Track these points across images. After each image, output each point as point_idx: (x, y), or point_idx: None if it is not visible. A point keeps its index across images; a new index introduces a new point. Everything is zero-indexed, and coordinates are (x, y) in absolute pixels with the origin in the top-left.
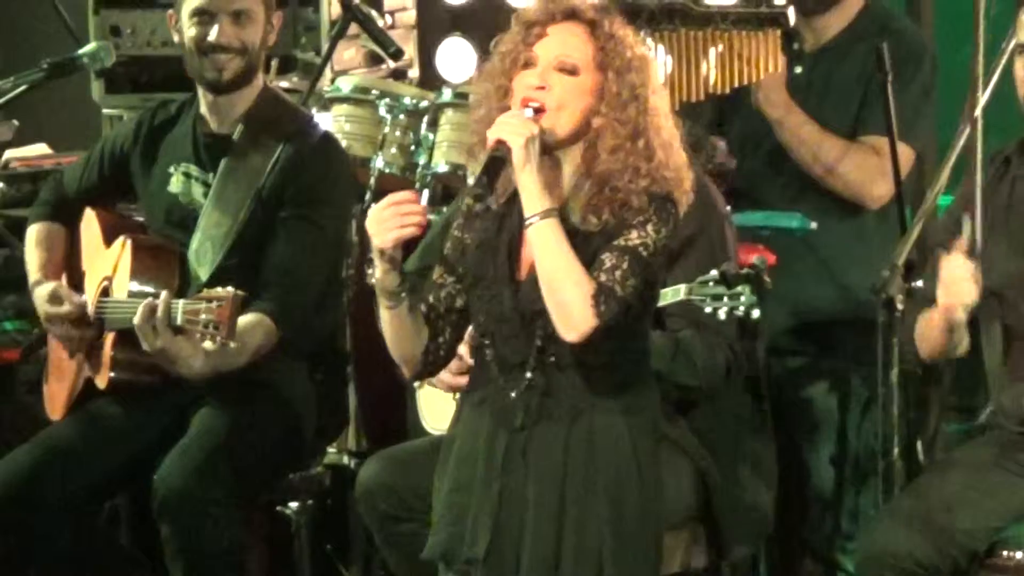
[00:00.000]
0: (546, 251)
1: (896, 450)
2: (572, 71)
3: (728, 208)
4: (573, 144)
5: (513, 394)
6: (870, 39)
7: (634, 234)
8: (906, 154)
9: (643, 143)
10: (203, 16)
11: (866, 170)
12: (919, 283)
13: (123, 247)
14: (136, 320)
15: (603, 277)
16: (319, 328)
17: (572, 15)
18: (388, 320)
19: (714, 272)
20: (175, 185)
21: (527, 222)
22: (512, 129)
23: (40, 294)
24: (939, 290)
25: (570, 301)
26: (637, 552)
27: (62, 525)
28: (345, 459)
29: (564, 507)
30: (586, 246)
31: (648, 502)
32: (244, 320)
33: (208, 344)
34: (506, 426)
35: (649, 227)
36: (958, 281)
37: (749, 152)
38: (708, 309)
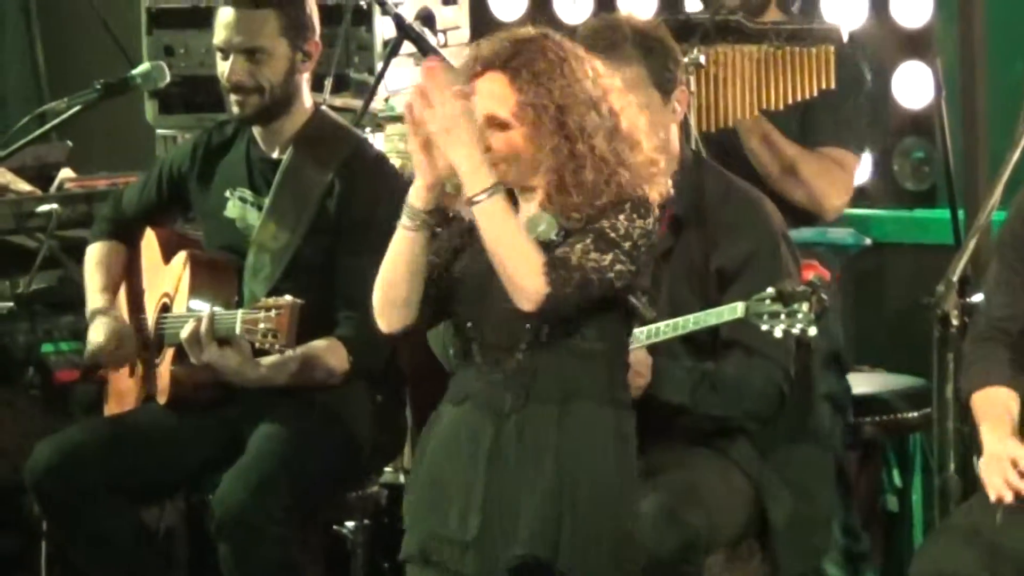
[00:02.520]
0: (495, 226)
1: (952, 465)
2: (503, 126)
3: (785, 225)
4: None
5: (499, 377)
6: None
7: (605, 221)
8: (855, 163)
9: (592, 163)
10: (220, 53)
11: (828, 180)
12: (977, 297)
13: (182, 262)
14: (183, 335)
15: (559, 251)
16: (383, 350)
17: (490, 64)
18: (401, 247)
19: (770, 290)
20: (231, 210)
21: (474, 200)
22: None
23: (97, 327)
24: (986, 467)
25: (522, 272)
26: (609, 545)
27: (106, 509)
28: (401, 477)
29: (561, 486)
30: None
31: (622, 497)
32: (318, 343)
33: (267, 354)
34: (494, 412)
35: (621, 216)
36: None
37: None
38: (764, 327)
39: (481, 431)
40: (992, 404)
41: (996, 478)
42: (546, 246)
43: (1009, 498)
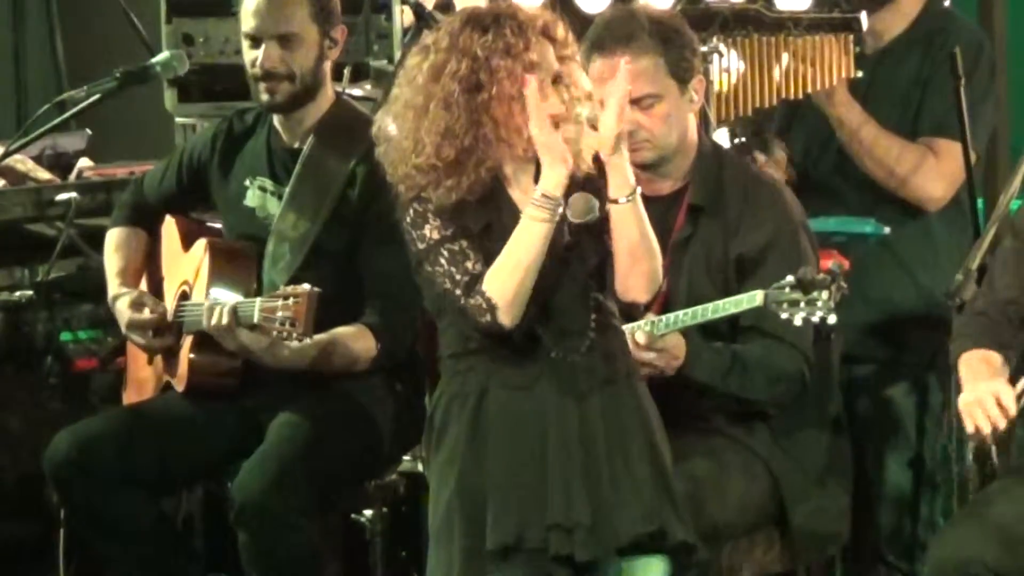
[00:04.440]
0: (642, 224)
1: (970, 455)
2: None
3: (804, 215)
4: None
5: (575, 359)
6: (929, 40)
7: None
8: (959, 152)
9: None
10: (251, 41)
11: (922, 171)
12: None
13: (202, 250)
14: (210, 324)
15: None
16: (408, 339)
17: None
18: (541, 239)
19: (790, 278)
20: (251, 199)
21: (623, 200)
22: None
23: (121, 302)
24: (966, 400)
25: (655, 266)
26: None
27: (124, 499)
28: (419, 466)
29: (652, 459)
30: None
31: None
32: (345, 328)
33: (287, 342)
34: (575, 394)
35: None
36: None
37: (813, 157)
38: (784, 315)
39: (566, 414)
40: (976, 358)
41: (977, 410)
42: (590, 227)
43: (987, 430)
